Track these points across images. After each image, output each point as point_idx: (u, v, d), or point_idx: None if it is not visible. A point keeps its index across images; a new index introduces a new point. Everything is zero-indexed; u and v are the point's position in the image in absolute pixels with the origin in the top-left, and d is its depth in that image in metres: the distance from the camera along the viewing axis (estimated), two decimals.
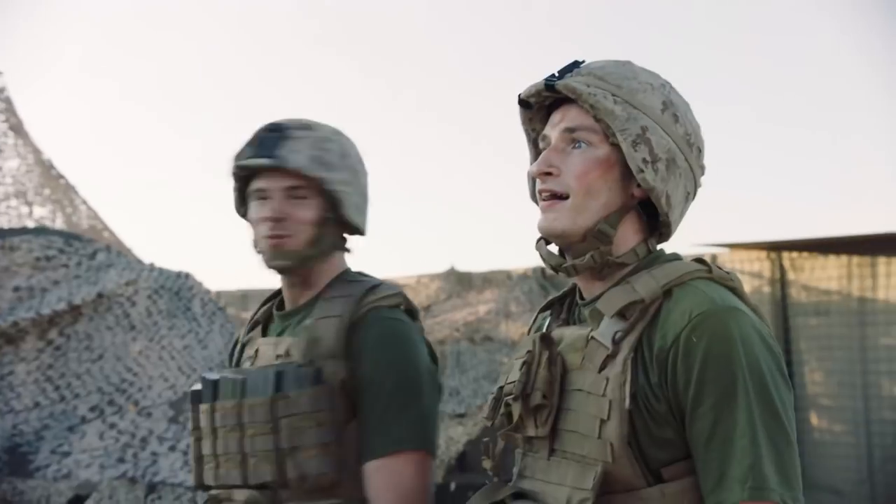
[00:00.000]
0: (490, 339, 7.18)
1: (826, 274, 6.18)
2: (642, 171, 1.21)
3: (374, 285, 1.71)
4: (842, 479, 5.93)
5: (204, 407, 1.68)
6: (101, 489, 4.18)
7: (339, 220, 1.72)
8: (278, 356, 1.68)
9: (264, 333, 1.80)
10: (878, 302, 5.94)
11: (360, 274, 1.78)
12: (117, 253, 5.88)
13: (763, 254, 6.35)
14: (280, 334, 1.74)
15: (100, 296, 4.97)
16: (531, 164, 1.33)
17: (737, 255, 6.52)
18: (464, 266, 8.69)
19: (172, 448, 4.44)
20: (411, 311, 1.73)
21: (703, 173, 1.31)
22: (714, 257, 6.41)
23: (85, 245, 5.69)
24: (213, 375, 1.69)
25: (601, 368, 1.18)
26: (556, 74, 1.26)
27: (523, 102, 1.31)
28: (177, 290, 5.23)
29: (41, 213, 6.35)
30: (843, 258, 6.11)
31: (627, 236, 1.26)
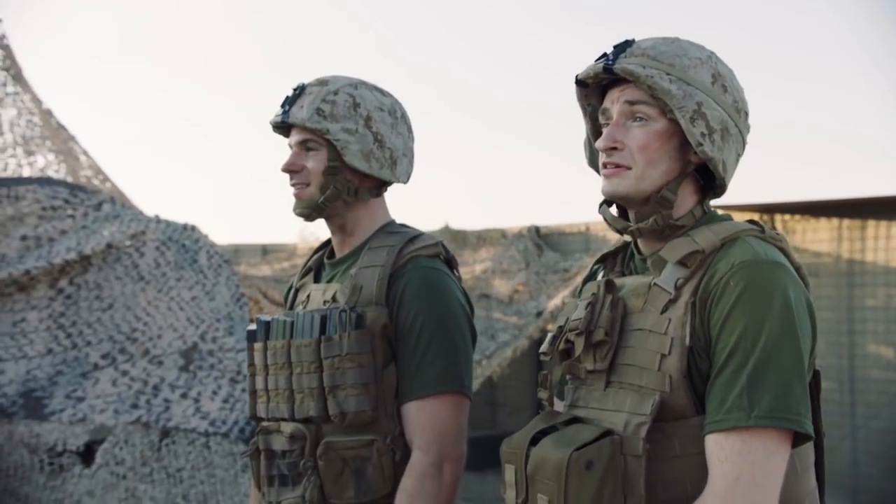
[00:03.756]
0: (486, 296, 7.28)
1: (817, 236, 6.32)
2: (701, 144, 1.32)
3: (415, 236, 1.81)
4: (826, 435, 6.13)
5: (257, 346, 1.81)
6: (116, 433, 4.29)
7: (347, 168, 1.80)
8: (325, 301, 1.79)
9: (316, 279, 1.92)
10: (867, 264, 6.09)
11: (402, 226, 1.88)
12: (122, 205, 5.93)
13: (756, 216, 6.47)
14: (330, 281, 1.85)
15: (109, 246, 5.03)
16: (587, 134, 1.47)
17: None
18: (458, 224, 8.80)
19: (184, 395, 4.53)
20: (449, 261, 1.83)
21: (748, 131, 1.42)
22: None
23: (90, 196, 5.72)
24: (266, 317, 1.81)
25: (663, 311, 1.30)
26: (610, 56, 1.35)
27: (580, 82, 1.41)
28: (183, 242, 5.29)
29: (44, 164, 6.35)
30: (835, 221, 6.24)
31: (685, 199, 1.39)
